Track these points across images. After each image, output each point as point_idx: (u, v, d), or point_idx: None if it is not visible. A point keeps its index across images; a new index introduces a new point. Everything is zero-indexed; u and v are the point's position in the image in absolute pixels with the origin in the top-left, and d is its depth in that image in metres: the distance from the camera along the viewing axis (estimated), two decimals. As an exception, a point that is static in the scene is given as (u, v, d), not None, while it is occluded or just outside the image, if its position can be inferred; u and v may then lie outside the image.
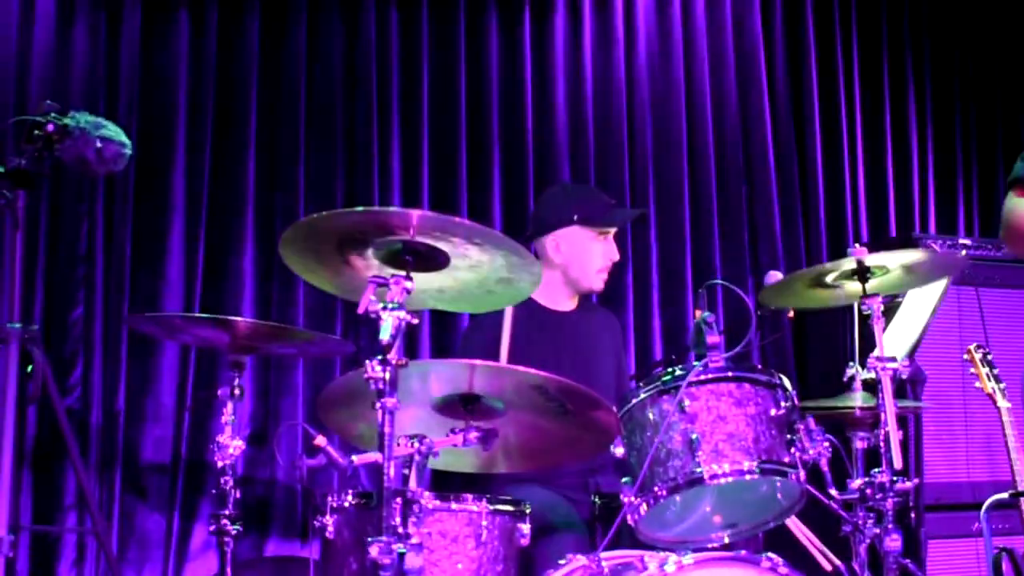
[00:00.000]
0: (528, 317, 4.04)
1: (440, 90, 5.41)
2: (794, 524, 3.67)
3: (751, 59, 5.99)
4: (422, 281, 2.83)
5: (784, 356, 5.76)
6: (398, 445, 2.75)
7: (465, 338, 4.41)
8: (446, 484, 3.53)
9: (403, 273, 2.75)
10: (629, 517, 3.16)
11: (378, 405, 2.64)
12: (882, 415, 3.26)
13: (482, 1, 5.52)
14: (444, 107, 5.41)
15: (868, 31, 6.31)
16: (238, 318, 3.67)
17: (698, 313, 3.25)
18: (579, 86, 5.65)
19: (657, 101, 5.80)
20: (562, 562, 3.21)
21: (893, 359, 3.32)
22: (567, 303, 4.23)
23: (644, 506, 3.13)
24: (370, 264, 2.85)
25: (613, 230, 4.21)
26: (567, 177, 5.52)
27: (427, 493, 3.06)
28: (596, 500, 3.71)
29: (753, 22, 6.01)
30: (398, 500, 2.71)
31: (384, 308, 2.68)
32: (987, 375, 4.54)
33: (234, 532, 3.67)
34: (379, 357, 2.64)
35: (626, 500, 3.15)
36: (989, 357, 4.60)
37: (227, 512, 3.66)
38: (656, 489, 3.11)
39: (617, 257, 4.23)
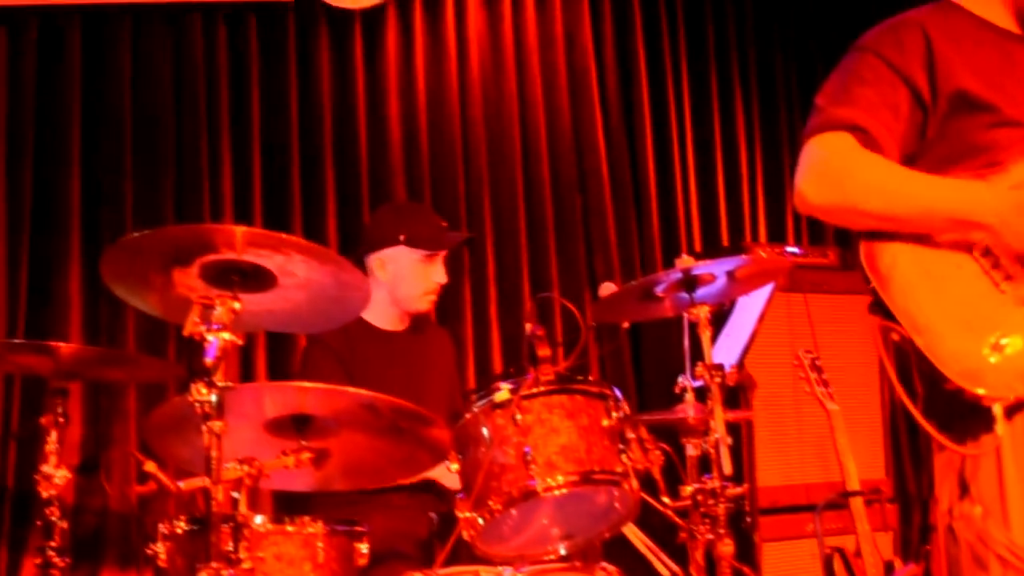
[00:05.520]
0: (358, 336, 4.02)
1: (271, 105, 5.35)
2: (632, 532, 3.70)
3: (583, 73, 6.04)
4: (252, 303, 2.78)
5: (622, 366, 5.82)
6: (227, 468, 2.70)
7: (306, 356, 4.30)
8: (283, 506, 3.48)
9: (229, 293, 2.70)
10: (465, 532, 3.15)
11: (204, 428, 2.59)
12: (711, 422, 3.32)
13: (312, 15, 5.47)
14: (276, 123, 5.35)
15: (695, 43, 6.42)
16: (60, 343, 3.53)
17: (528, 326, 3.26)
18: (412, 100, 5.64)
19: (491, 115, 5.82)
20: (400, 580, 3.21)
21: (721, 367, 3.38)
22: (397, 323, 4.19)
23: (480, 520, 3.13)
24: (196, 285, 2.79)
25: (441, 253, 4.17)
26: (402, 192, 5.51)
27: (261, 516, 3.04)
28: (434, 516, 3.69)
29: (583, 36, 6.06)
30: (228, 524, 2.66)
31: (209, 330, 2.62)
32: (815, 380, 4.66)
33: (62, 564, 3.54)
34: (204, 380, 2.58)
35: (461, 515, 3.14)
36: (818, 362, 4.72)
37: (54, 544, 3.52)
38: (491, 503, 3.11)
39: (445, 280, 4.17)
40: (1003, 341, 2.31)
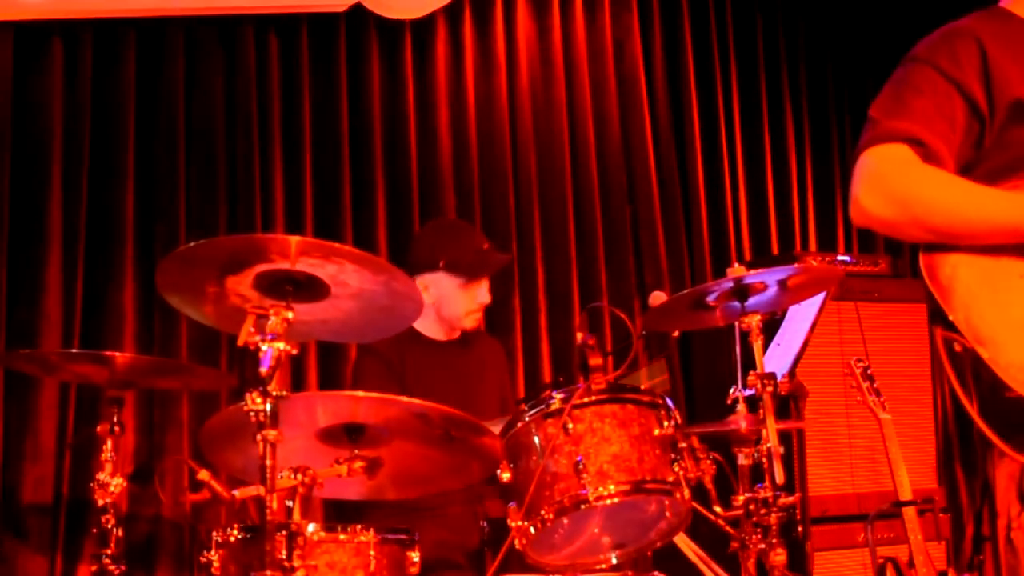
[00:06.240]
0: (409, 346, 4.03)
1: (322, 116, 5.38)
2: (683, 542, 3.69)
3: (632, 82, 6.04)
4: (305, 312, 2.80)
5: (672, 375, 5.79)
6: (281, 477, 2.72)
7: (357, 366, 4.32)
8: (335, 513, 3.50)
9: (283, 303, 2.72)
10: (517, 541, 3.15)
11: (259, 438, 2.60)
12: (763, 431, 3.30)
13: (362, 26, 5.50)
14: (326, 133, 5.37)
15: (744, 51, 6.41)
16: (116, 353, 3.57)
17: (580, 336, 3.25)
18: (461, 110, 5.65)
19: (540, 124, 5.82)
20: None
21: (773, 376, 3.36)
22: (447, 334, 4.20)
23: (532, 530, 3.13)
24: (249, 295, 2.81)
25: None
26: (451, 201, 5.52)
27: (314, 525, 3.06)
28: (485, 525, 3.69)
29: (633, 45, 6.06)
30: (282, 533, 2.68)
31: (263, 339, 2.64)
32: (867, 388, 4.62)
33: (117, 572, 3.58)
34: (259, 389, 2.60)
35: (513, 524, 3.14)
36: (869, 371, 4.69)
37: (109, 551, 3.57)
38: (543, 512, 3.11)
39: (488, 300, 4.17)
40: None
